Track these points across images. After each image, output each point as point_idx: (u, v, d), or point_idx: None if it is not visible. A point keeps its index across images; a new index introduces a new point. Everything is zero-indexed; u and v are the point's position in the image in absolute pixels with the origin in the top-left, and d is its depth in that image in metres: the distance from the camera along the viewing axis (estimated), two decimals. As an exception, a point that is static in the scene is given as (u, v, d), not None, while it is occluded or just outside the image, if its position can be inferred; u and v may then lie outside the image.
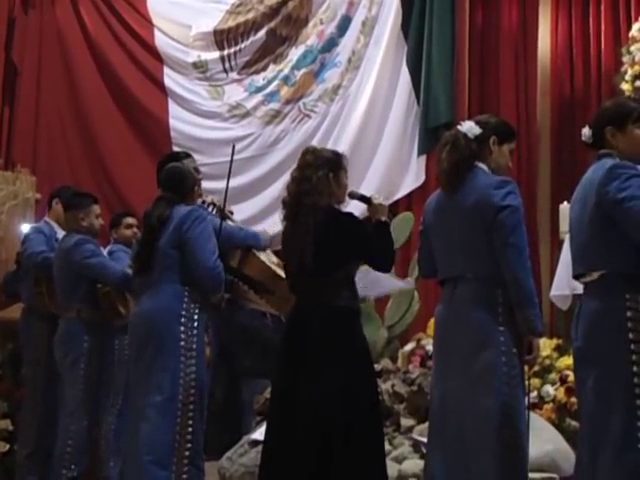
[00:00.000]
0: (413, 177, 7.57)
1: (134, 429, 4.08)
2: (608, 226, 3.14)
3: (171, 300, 4.07)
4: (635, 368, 3.06)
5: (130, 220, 5.68)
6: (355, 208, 4.05)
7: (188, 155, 4.49)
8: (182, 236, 4.07)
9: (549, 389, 5.29)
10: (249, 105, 8.04)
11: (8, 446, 5.53)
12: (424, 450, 4.15)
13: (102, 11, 8.17)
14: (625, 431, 3.04)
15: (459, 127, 3.50)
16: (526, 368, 3.39)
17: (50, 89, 7.98)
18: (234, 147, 4.66)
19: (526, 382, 3.41)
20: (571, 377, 4.89)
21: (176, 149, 7.20)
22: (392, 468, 4.30)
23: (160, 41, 8.17)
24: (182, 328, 4.03)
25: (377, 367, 5.00)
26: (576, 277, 3.36)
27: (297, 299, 3.79)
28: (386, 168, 7.59)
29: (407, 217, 6.56)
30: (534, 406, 5.03)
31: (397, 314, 6.19)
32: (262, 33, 8.10)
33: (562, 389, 5.22)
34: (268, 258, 4.40)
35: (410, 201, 7.51)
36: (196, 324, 4.07)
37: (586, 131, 3.39)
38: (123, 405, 5.61)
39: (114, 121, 8.03)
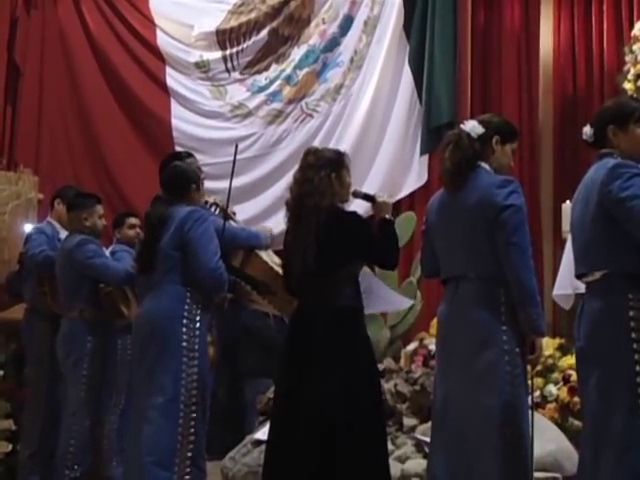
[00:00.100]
0: (415, 177, 7.58)
1: (136, 430, 4.08)
2: (610, 225, 3.14)
3: (173, 301, 4.07)
4: (638, 367, 3.06)
5: (133, 220, 5.69)
6: (359, 207, 4.04)
7: (190, 155, 4.48)
8: (184, 237, 4.06)
9: (552, 389, 5.28)
10: (251, 105, 8.04)
11: (11, 446, 5.53)
12: (427, 450, 4.15)
13: (104, 11, 8.17)
14: (628, 431, 3.04)
15: (462, 126, 3.49)
16: (529, 368, 3.39)
17: (52, 89, 7.99)
18: (237, 147, 4.66)
19: (529, 382, 3.40)
20: (574, 376, 4.89)
21: (178, 149, 7.19)
22: (395, 468, 4.30)
23: (162, 41, 8.16)
24: (184, 329, 4.03)
25: (380, 367, 4.99)
26: (578, 277, 3.36)
27: (300, 299, 3.79)
28: (388, 168, 7.59)
29: (409, 217, 6.57)
30: (537, 406, 5.02)
31: (400, 314, 6.19)
32: (264, 33, 8.10)
33: (565, 388, 5.22)
34: (270, 258, 4.39)
35: (412, 201, 7.51)
36: (198, 325, 4.07)
37: (587, 130, 3.39)
38: (126, 405, 5.62)
39: (116, 121, 8.03)
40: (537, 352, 3.33)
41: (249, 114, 8.02)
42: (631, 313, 3.09)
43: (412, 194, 7.55)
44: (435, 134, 7.37)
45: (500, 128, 3.50)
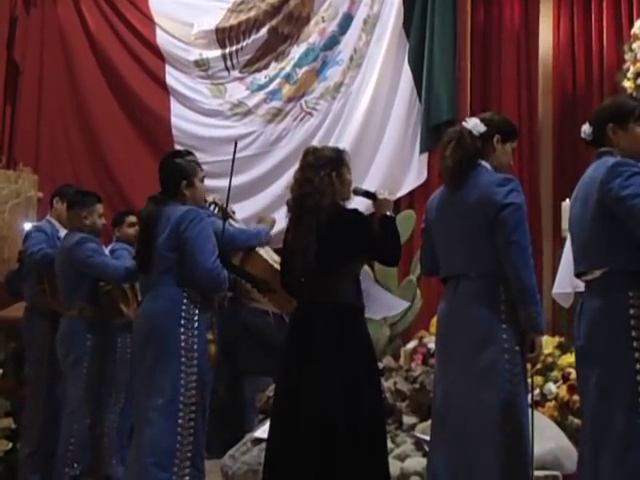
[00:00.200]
0: (415, 175, 7.57)
1: (138, 431, 4.07)
2: (610, 224, 3.14)
3: (170, 303, 4.03)
4: (638, 366, 3.05)
5: (133, 218, 5.69)
6: (360, 204, 4.04)
7: (190, 153, 4.47)
8: (180, 238, 4.01)
9: (551, 387, 5.28)
10: (251, 103, 8.04)
11: (11, 444, 5.53)
12: (427, 448, 4.15)
13: (104, 9, 8.17)
14: (628, 430, 3.03)
15: (464, 124, 3.49)
16: (528, 366, 3.39)
17: (52, 88, 7.99)
18: (236, 144, 4.65)
19: (529, 380, 3.41)
20: (573, 375, 4.89)
21: (178, 147, 7.20)
22: (394, 466, 4.30)
23: (162, 39, 8.16)
24: (182, 329, 4.00)
25: (379, 365, 5.00)
26: (578, 275, 3.35)
27: (300, 298, 3.79)
28: (388, 166, 7.58)
29: (409, 215, 6.57)
30: (536, 404, 5.02)
31: (399, 312, 6.19)
32: (264, 31, 8.10)
33: (564, 387, 5.22)
34: (270, 256, 4.39)
35: (412, 199, 7.51)
36: (196, 325, 4.03)
37: (586, 128, 3.38)
38: (125, 403, 5.63)
39: (116, 119, 8.03)
40: (537, 350, 3.34)
41: (249, 112, 8.02)
42: (631, 311, 3.09)
43: (412, 192, 7.55)
44: (435, 132, 7.37)
45: (501, 127, 3.51)
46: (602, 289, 3.17)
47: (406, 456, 4.62)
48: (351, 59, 7.92)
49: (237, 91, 8.10)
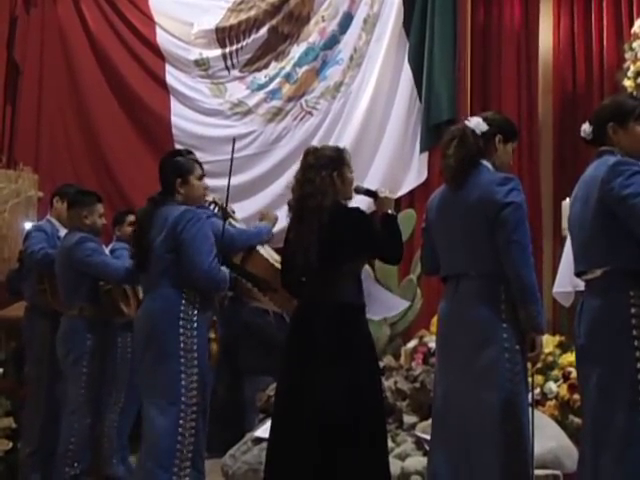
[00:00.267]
0: (415, 174, 7.57)
1: (143, 432, 4.07)
2: (611, 223, 3.14)
3: (168, 304, 4.01)
4: (639, 365, 3.06)
5: (133, 218, 5.67)
6: (361, 202, 4.03)
7: (189, 152, 4.46)
8: (177, 238, 3.98)
9: (552, 386, 5.28)
10: (251, 103, 8.04)
11: (11, 444, 5.52)
12: (427, 447, 4.15)
13: (104, 9, 8.17)
14: (629, 428, 3.04)
15: (467, 122, 3.49)
16: (529, 365, 3.39)
17: (52, 87, 7.99)
18: (234, 141, 4.62)
19: (529, 379, 3.40)
20: (574, 374, 4.89)
21: (178, 147, 7.20)
22: (395, 465, 4.30)
23: (162, 39, 8.17)
24: (181, 330, 3.97)
25: (380, 364, 5.00)
26: (578, 274, 3.35)
27: (300, 297, 3.79)
28: (388, 165, 7.58)
29: (409, 214, 6.57)
30: (537, 403, 5.02)
31: (400, 312, 6.19)
32: (264, 31, 8.10)
33: (565, 386, 5.22)
34: (271, 255, 4.39)
35: (412, 198, 7.51)
36: (196, 325, 4.00)
37: (586, 127, 3.38)
38: (126, 403, 5.63)
39: (116, 119, 8.03)
40: (537, 349, 3.34)
41: (249, 112, 8.03)
42: (632, 310, 3.09)
43: (412, 192, 7.55)
44: (435, 132, 7.37)
45: (502, 127, 3.51)
46: (602, 288, 3.17)
47: (406, 455, 4.62)
48: (351, 58, 7.92)
49: (237, 90, 8.10)
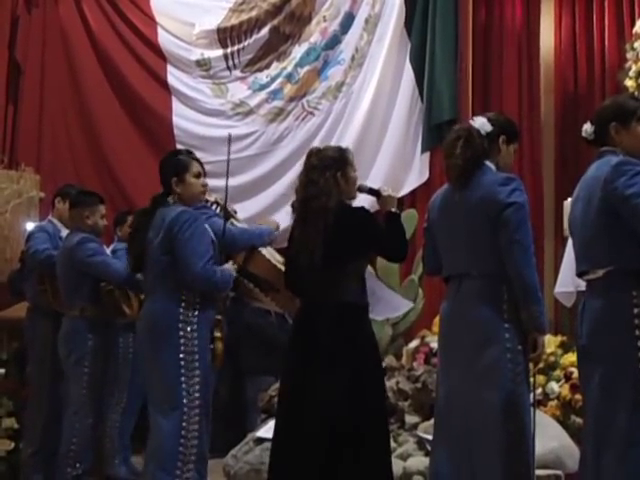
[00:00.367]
0: (417, 174, 7.58)
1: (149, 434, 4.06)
2: (614, 222, 3.14)
3: (167, 307, 3.97)
4: (642, 364, 3.06)
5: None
6: (364, 201, 4.03)
7: (189, 152, 4.45)
8: (172, 240, 3.95)
9: (554, 386, 5.28)
10: (252, 103, 8.04)
11: (13, 444, 5.53)
12: (429, 447, 4.15)
13: (105, 9, 8.17)
14: (631, 428, 3.04)
15: (472, 122, 3.48)
16: (531, 365, 3.39)
17: (54, 88, 7.99)
18: (230, 137, 4.60)
19: (531, 379, 3.40)
20: (576, 374, 4.88)
21: (179, 147, 7.20)
22: (397, 465, 4.30)
23: (163, 39, 8.17)
24: (181, 333, 3.94)
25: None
26: (580, 274, 3.35)
27: (304, 297, 3.78)
28: (390, 165, 7.58)
29: (411, 214, 6.57)
30: (539, 403, 5.02)
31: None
32: (265, 31, 8.10)
33: (567, 386, 5.22)
34: (273, 256, 4.38)
35: (414, 198, 7.50)
36: (196, 327, 3.97)
37: (588, 127, 3.38)
38: (127, 403, 5.63)
39: (118, 119, 8.04)
40: (539, 350, 3.33)
41: (250, 112, 8.03)
42: (635, 310, 3.09)
43: (413, 192, 7.55)
44: (436, 132, 7.38)
45: (505, 127, 3.51)
46: (605, 288, 3.17)
47: (408, 455, 4.62)
48: (353, 58, 7.92)
49: (239, 91, 8.10)
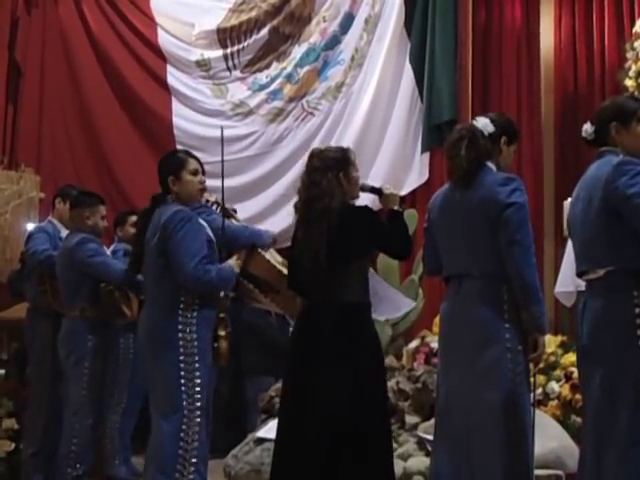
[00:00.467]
0: (417, 174, 7.58)
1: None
2: (615, 222, 3.14)
3: (166, 308, 3.93)
4: (644, 365, 3.06)
5: (134, 219, 5.68)
6: (366, 200, 4.03)
7: (187, 153, 4.43)
8: (166, 241, 3.91)
9: (554, 386, 5.28)
10: (252, 103, 8.04)
11: (14, 445, 5.53)
12: (429, 447, 4.15)
13: (105, 10, 8.17)
14: (632, 428, 3.04)
15: (475, 123, 3.48)
16: (531, 365, 3.39)
17: (53, 88, 7.99)
18: (222, 130, 4.57)
19: (531, 379, 3.40)
20: (576, 374, 4.87)
21: (179, 147, 7.19)
22: (397, 465, 4.28)
23: (163, 39, 8.17)
24: (180, 335, 3.89)
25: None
26: (580, 274, 3.35)
27: (307, 298, 3.77)
28: (390, 166, 7.58)
29: (411, 214, 6.54)
30: (539, 403, 5.02)
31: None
32: (265, 31, 8.10)
33: (567, 386, 5.21)
34: (273, 257, 4.38)
35: (414, 198, 7.50)
36: (195, 328, 3.92)
37: (588, 127, 3.38)
38: (128, 404, 5.63)
39: (118, 120, 8.04)
40: (540, 350, 3.33)
41: (250, 112, 8.03)
42: (636, 310, 3.09)
43: (413, 192, 7.55)
44: (436, 132, 7.39)
45: (507, 128, 3.50)
46: (605, 288, 3.17)
47: (409, 455, 4.62)
48: (352, 59, 7.92)
49: (238, 91, 8.11)
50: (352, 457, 3.50)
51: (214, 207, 4.52)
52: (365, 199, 3.95)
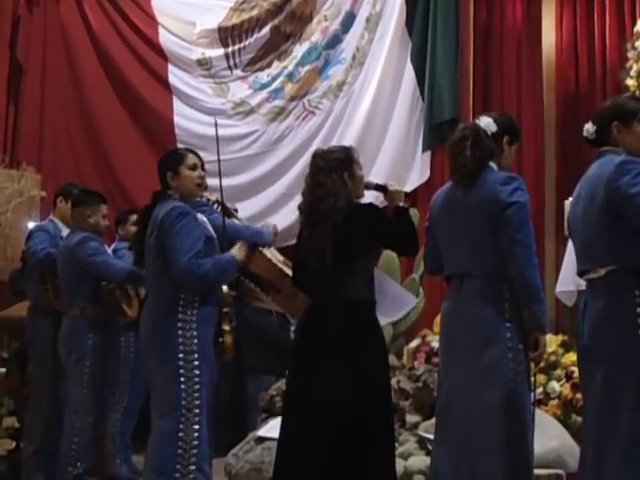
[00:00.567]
0: (418, 173, 7.58)
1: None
2: (617, 221, 3.13)
3: (166, 306, 3.90)
4: (645, 364, 3.06)
5: (136, 217, 5.68)
6: (370, 198, 4.03)
7: (187, 149, 4.41)
8: (162, 237, 3.89)
9: (555, 385, 5.28)
10: (253, 102, 8.04)
11: (14, 443, 5.53)
12: (430, 446, 4.15)
13: (106, 9, 8.18)
14: (634, 428, 3.03)
15: (478, 122, 3.47)
16: (532, 365, 3.39)
17: (55, 87, 7.99)
18: (216, 122, 4.56)
19: (532, 378, 3.40)
20: (577, 373, 4.87)
21: (180, 146, 7.19)
22: (398, 464, 4.26)
23: (164, 38, 8.18)
24: (180, 332, 3.85)
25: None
26: (580, 274, 3.35)
27: (313, 296, 3.77)
28: (391, 165, 7.58)
29: (412, 213, 6.55)
30: (540, 402, 5.02)
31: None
32: (266, 30, 8.11)
33: (568, 385, 5.21)
34: (274, 256, 4.38)
35: (415, 197, 7.49)
36: (195, 325, 3.88)
37: (589, 127, 3.38)
38: (128, 402, 5.64)
39: (119, 119, 8.04)
40: (540, 349, 3.33)
41: (251, 111, 8.03)
42: (638, 310, 3.09)
43: (414, 191, 7.54)
44: (437, 131, 7.39)
45: (509, 128, 3.50)
46: (607, 288, 3.17)
47: (409, 455, 4.62)
48: (354, 58, 7.93)
49: (240, 90, 8.11)
50: (356, 456, 3.49)
51: (215, 206, 4.52)
52: (368, 196, 3.95)
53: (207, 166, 4.31)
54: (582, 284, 3.47)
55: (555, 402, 5.22)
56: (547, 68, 7.41)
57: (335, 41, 7.99)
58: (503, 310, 3.29)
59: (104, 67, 8.10)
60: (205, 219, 4.10)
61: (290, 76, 8.03)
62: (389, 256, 5.71)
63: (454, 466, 3.33)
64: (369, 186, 3.85)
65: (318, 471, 3.49)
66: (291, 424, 3.66)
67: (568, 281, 5.30)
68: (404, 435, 4.83)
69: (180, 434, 3.82)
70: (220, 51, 8.14)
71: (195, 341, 3.88)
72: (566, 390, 5.22)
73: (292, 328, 6.38)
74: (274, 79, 8.06)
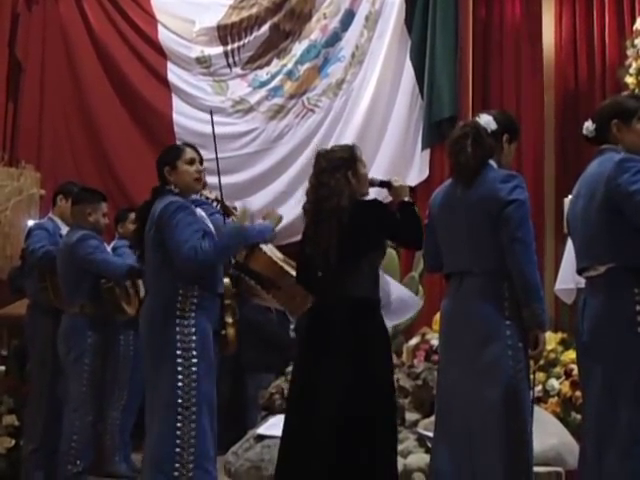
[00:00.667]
0: (417, 171, 7.58)
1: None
2: (616, 219, 3.14)
3: (164, 302, 3.87)
4: (645, 362, 3.06)
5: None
6: (374, 194, 4.02)
7: (185, 143, 4.38)
8: (161, 232, 3.86)
9: (554, 383, 5.28)
10: (253, 100, 8.04)
11: (14, 441, 5.53)
12: (429, 444, 4.15)
13: (105, 7, 8.17)
14: (633, 426, 3.04)
15: (478, 120, 3.47)
16: (531, 362, 3.39)
17: (54, 85, 7.99)
18: (212, 113, 4.54)
19: (531, 376, 3.40)
20: (576, 371, 4.88)
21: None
22: (397, 462, 4.29)
23: (164, 36, 8.17)
24: (178, 329, 3.82)
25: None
26: (580, 271, 3.35)
27: (317, 293, 3.76)
28: (390, 163, 7.58)
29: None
30: (539, 400, 5.02)
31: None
32: (265, 28, 8.10)
33: (567, 383, 5.22)
34: (274, 253, 4.38)
35: (414, 196, 7.45)
36: (193, 322, 3.84)
37: (589, 125, 3.38)
38: (128, 400, 5.64)
39: (118, 117, 8.04)
40: (540, 347, 3.33)
41: (250, 109, 8.03)
42: (637, 307, 3.09)
43: (414, 189, 7.50)
44: (436, 128, 7.39)
45: (509, 126, 3.50)
46: (606, 285, 3.17)
47: (409, 452, 4.61)
48: (353, 56, 7.92)
49: (239, 88, 8.11)
50: (359, 455, 3.48)
51: (214, 204, 4.51)
52: (372, 192, 3.94)
53: (206, 164, 4.30)
54: (581, 282, 3.47)
55: (554, 400, 5.22)
56: (546, 66, 7.40)
57: (334, 39, 7.99)
58: (503, 308, 3.29)
59: (103, 65, 8.09)
60: (204, 215, 4.08)
61: (289, 74, 8.03)
62: (388, 255, 5.71)
63: (454, 464, 3.33)
64: (374, 183, 3.85)
65: (325, 470, 3.48)
66: (295, 422, 3.65)
67: (567, 279, 5.30)
68: (403, 433, 4.83)
69: (178, 432, 3.78)
70: (219, 49, 8.13)
71: (193, 337, 3.84)
72: (565, 388, 5.22)
73: (291, 326, 6.40)
74: (273, 77, 8.06)
